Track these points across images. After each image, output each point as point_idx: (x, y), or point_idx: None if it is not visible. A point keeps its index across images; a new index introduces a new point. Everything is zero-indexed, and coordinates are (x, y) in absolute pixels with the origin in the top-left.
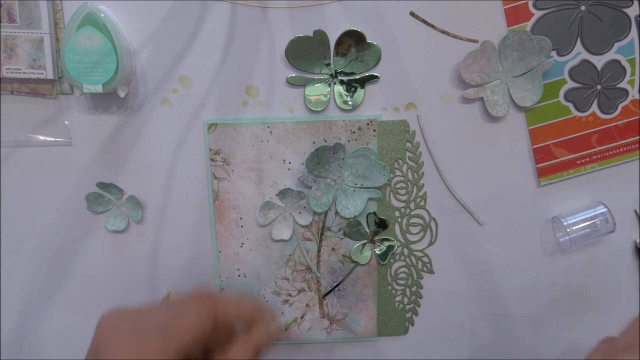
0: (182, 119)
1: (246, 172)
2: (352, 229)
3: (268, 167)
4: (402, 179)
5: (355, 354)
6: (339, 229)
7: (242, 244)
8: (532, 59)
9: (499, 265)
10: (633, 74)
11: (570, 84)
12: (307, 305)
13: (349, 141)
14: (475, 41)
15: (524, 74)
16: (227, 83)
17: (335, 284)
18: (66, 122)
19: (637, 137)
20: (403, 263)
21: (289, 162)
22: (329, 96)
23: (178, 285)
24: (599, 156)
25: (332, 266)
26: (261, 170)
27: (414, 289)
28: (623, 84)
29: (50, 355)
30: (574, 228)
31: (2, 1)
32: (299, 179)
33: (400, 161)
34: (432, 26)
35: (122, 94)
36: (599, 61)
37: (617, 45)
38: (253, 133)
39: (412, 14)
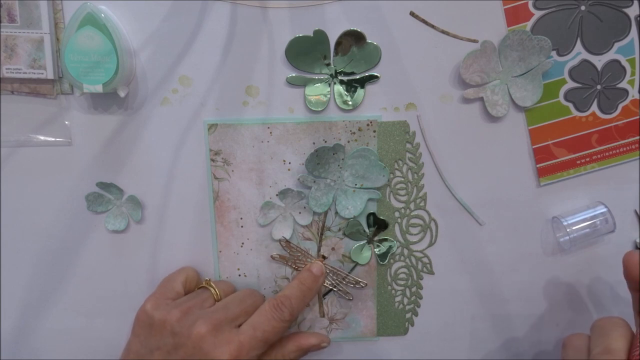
0: (182, 119)
1: (246, 172)
2: (352, 229)
3: (268, 168)
4: (402, 179)
5: (355, 353)
6: (339, 229)
7: (243, 243)
8: (532, 59)
9: (499, 265)
10: (633, 74)
11: (570, 84)
12: (307, 304)
13: (348, 142)
14: (475, 41)
15: (524, 74)
16: (227, 83)
17: (335, 284)
18: (66, 122)
19: (637, 137)
20: (403, 263)
21: (289, 163)
22: (329, 96)
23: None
24: (599, 156)
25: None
26: (261, 171)
27: (413, 289)
28: (623, 84)
29: (50, 355)
30: (574, 228)
31: (2, 1)
32: (298, 179)
33: (400, 162)
34: (432, 26)
35: (122, 94)
36: (599, 61)
37: (617, 45)
38: (253, 134)
39: (412, 14)
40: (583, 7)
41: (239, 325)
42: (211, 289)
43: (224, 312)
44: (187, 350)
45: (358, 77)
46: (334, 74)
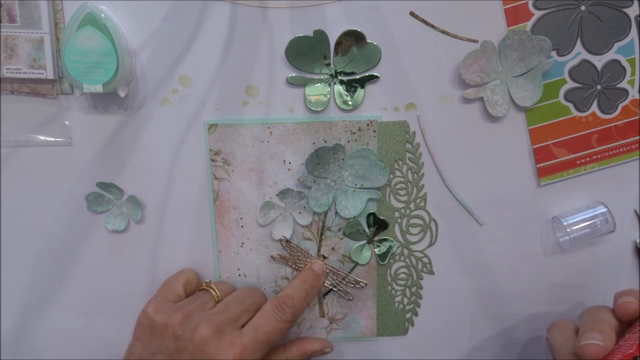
0: (182, 119)
1: (246, 172)
2: (352, 229)
3: (268, 168)
4: (402, 179)
5: (355, 353)
6: (339, 229)
7: (243, 243)
8: (532, 59)
9: (498, 265)
10: (633, 74)
11: (570, 84)
12: (309, 304)
13: (348, 142)
14: (475, 41)
15: (524, 74)
16: (227, 83)
17: (335, 284)
18: (66, 122)
19: (637, 137)
20: (403, 263)
21: (289, 163)
22: (329, 96)
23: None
24: (599, 156)
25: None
26: (261, 171)
27: (413, 289)
28: (623, 84)
29: (50, 355)
30: (574, 228)
31: (2, 1)
32: (299, 179)
33: (400, 162)
34: (432, 26)
35: (122, 94)
36: (599, 61)
37: (617, 45)
38: (253, 134)
39: (412, 14)
40: (583, 7)
41: (242, 326)
42: (212, 291)
43: (225, 313)
44: (189, 354)
45: (358, 77)
46: (334, 74)
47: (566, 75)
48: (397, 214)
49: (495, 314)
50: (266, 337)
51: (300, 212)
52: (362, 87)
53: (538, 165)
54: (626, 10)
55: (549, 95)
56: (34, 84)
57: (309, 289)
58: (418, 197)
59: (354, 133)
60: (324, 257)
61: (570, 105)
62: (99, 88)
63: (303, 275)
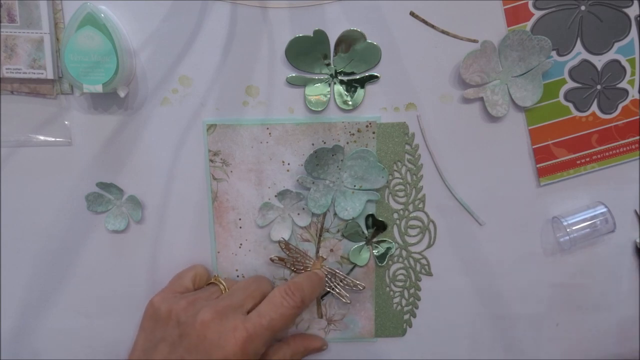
0: (182, 119)
1: (245, 173)
2: (350, 231)
3: (267, 169)
4: (401, 181)
5: (353, 354)
6: (338, 231)
7: (241, 244)
8: (532, 59)
9: (498, 266)
10: (633, 74)
11: (570, 84)
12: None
13: (348, 143)
14: (475, 41)
15: (524, 74)
16: (227, 83)
17: (333, 285)
18: (66, 122)
19: (637, 137)
20: (401, 265)
21: (288, 164)
22: (329, 96)
23: None
24: (599, 156)
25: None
26: (260, 172)
27: (412, 290)
28: (623, 84)
29: (50, 355)
30: (574, 228)
31: (2, 1)
32: (298, 180)
33: (399, 163)
34: (432, 26)
35: (122, 94)
36: (599, 61)
37: (617, 45)
38: (252, 134)
39: (412, 14)
40: (583, 7)
41: (247, 312)
42: (220, 284)
43: (229, 299)
44: (191, 340)
45: (358, 77)
46: (334, 74)
47: (566, 75)
48: (395, 216)
49: (495, 314)
50: (271, 323)
51: (299, 213)
52: (362, 87)
53: (538, 165)
54: (626, 10)
55: (549, 95)
56: (34, 84)
57: (316, 282)
58: (417, 199)
59: (353, 134)
60: (323, 259)
61: (570, 105)
62: (99, 88)
63: (307, 273)
